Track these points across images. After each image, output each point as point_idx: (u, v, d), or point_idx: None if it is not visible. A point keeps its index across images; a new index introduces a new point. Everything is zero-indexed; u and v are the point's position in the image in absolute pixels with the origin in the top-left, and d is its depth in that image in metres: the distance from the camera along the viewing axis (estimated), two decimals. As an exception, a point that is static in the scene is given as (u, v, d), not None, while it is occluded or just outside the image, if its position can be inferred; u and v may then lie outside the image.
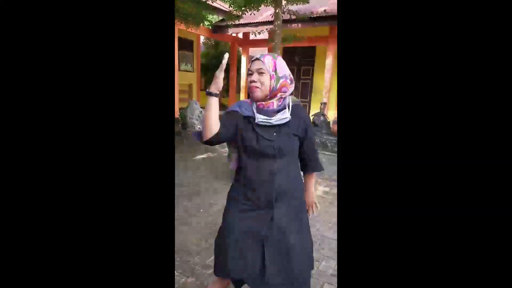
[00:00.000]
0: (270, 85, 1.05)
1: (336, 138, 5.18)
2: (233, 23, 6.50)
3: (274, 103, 1.08)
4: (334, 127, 5.57)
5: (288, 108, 1.11)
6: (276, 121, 1.07)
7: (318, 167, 1.27)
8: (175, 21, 5.06)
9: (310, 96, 7.71)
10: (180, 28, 6.30)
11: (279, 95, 1.08)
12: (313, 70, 7.62)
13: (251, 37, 7.83)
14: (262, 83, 1.05)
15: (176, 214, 2.53)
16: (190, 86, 8.35)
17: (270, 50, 7.59)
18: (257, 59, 1.07)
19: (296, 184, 1.19)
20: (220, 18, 7.65)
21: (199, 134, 1.06)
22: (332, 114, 6.40)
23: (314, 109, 7.14)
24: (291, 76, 1.12)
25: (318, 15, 5.52)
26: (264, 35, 6.84)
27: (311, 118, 6.00)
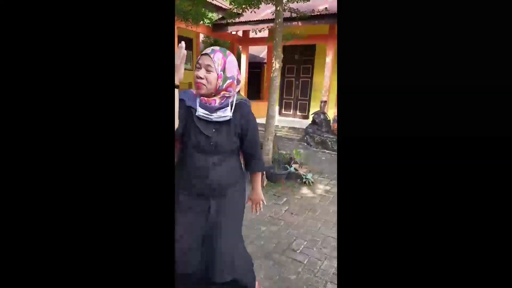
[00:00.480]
0: (217, 84, 1.04)
1: (336, 137, 5.17)
2: (233, 21, 6.47)
3: (217, 101, 1.07)
4: (334, 126, 5.56)
5: (231, 107, 1.10)
6: (216, 118, 1.07)
7: (258, 167, 1.26)
8: (175, 19, 5.03)
9: (310, 94, 7.69)
10: (179, 27, 6.27)
11: (222, 93, 1.07)
12: (313, 68, 7.60)
13: (251, 35, 7.80)
14: (208, 81, 1.04)
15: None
16: (189, 84, 8.33)
17: (270, 48, 7.57)
18: (207, 54, 1.04)
19: (234, 182, 1.19)
20: (220, 16, 7.62)
21: None
22: (332, 112, 6.39)
23: (314, 107, 7.12)
24: (239, 76, 1.12)
25: (319, 13, 5.49)
26: (264, 33, 6.82)
27: (311, 116, 5.99)
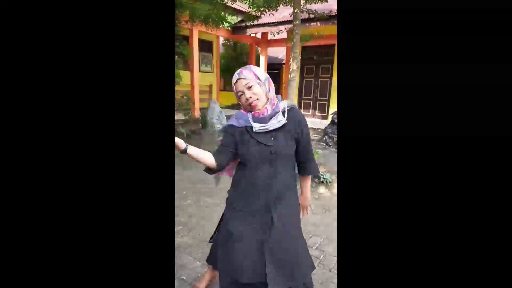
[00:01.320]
0: (264, 92, 1.11)
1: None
2: (252, 23, 6.56)
3: (268, 108, 1.12)
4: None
5: (284, 113, 1.15)
6: (271, 126, 1.12)
7: (314, 170, 1.30)
8: (195, 23, 5.19)
9: (329, 94, 7.63)
10: (200, 30, 6.45)
11: (269, 97, 1.13)
12: (332, 68, 7.54)
13: (270, 37, 7.86)
14: (257, 95, 1.10)
15: (195, 210, 2.62)
16: (210, 86, 8.51)
17: (288, 50, 7.59)
18: (238, 79, 1.11)
19: (292, 188, 1.23)
20: (239, 19, 7.74)
21: (208, 170, 1.17)
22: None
23: (333, 108, 7.06)
24: (266, 73, 1.18)
25: (336, 13, 5.47)
26: (283, 35, 6.86)
27: (330, 116, 5.94)
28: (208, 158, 1.12)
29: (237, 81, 1.11)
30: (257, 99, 1.10)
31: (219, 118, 6.10)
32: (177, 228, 2.26)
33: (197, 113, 6.59)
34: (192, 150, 1.09)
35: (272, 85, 1.16)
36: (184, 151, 1.07)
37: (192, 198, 2.87)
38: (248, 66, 1.16)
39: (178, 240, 2.10)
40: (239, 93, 1.12)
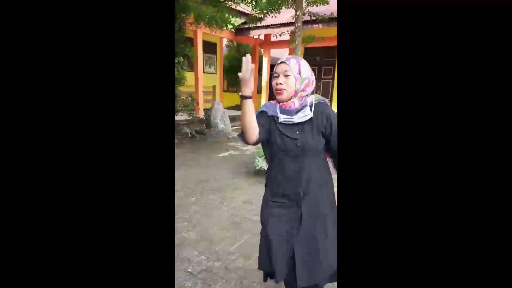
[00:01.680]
0: (295, 87, 1.10)
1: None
2: (255, 25, 6.64)
3: (295, 102, 1.13)
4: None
5: (311, 107, 1.14)
6: (298, 119, 1.12)
7: None
8: (200, 25, 5.29)
9: (331, 95, 7.69)
10: (204, 32, 6.55)
11: (299, 94, 1.13)
12: (334, 69, 7.60)
13: (273, 38, 7.94)
14: (288, 85, 1.10)
15: (199, 207, 2.70)
16: (213, 87, 8.61)
17: (290, 51, 7.66)
18: (282, 62, 1.11)
19: (323, 184, 1.20)
20: (243, 20, 7.83)
21: (243, 137, 1.13)
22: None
23: (336, 108, 7.11)
24: (313, 76, 1.18)
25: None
26: (285, 37, 6.93)
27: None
28: (255, 120, 1.10)
29: (281, 63, 1.11)
30: (285, 89, 1.10)
31: (222, 119, 6.19)
32: (182, 224, 2.35)
33: (201, 114, 6.68)
34: (251, 104, 1.05)
35: (311, 86, 1.16)
36: (247, 97, 1.03)
37: (197, 196, 2.95)
38: (299, 57, 1.15)
39: (183, 235, 2.18)
40: (275, 74, 1.12)
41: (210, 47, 8.75)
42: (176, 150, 4.87)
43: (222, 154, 4.75)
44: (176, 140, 5.52)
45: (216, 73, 9.23)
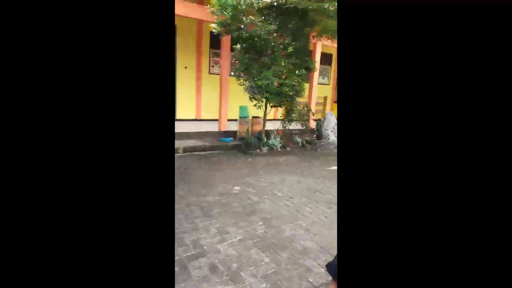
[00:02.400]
0: None
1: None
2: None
3: None
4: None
5: None
6: None
7: None
8: (322, 37, 5.37)
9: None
10: (324, 44, 6.62)
11: None
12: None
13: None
14: None
15: (315, 217, 2.73)
16: (325, 98, 8.59)
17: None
18: None
19: None
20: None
21: None
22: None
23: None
24: None
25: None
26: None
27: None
28: None
29: None
30: None
31: (334, 130, 6.10)
32: (299, 232, 2.42)
33: (312, 124, 6.76)
34: None
35: None
36: None
37: (311, 206, 2.99)
38: None
39: (301, 243, 2.25)
40: None
41: (326, 58, 8.78)
42: (288, 157, 5.09)
43: (333, 167, 4.67)
44: (288, 148, 5.75)
45: (329, 84, 9.18)
